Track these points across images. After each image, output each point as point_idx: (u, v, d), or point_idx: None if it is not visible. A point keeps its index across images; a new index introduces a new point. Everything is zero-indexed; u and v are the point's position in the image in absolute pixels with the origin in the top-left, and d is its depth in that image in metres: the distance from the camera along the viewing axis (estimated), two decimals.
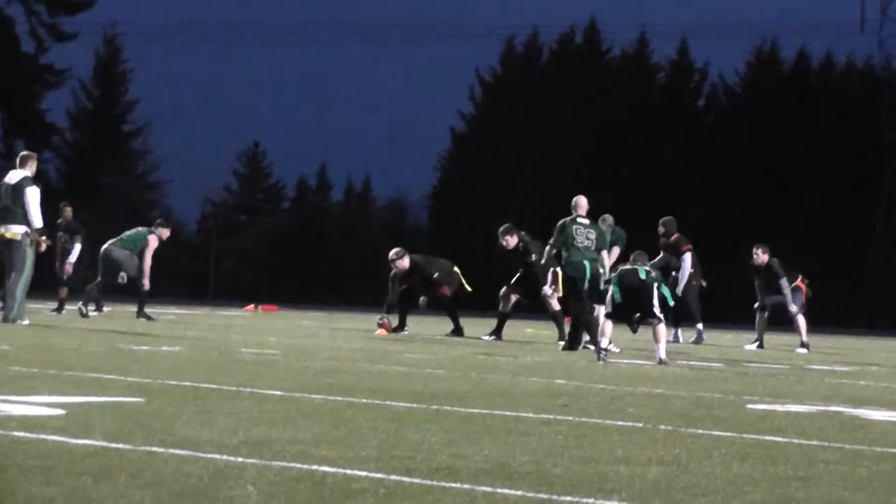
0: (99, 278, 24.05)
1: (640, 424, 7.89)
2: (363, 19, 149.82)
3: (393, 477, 5.35)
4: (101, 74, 75.96)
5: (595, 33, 74.57)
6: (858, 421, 8.94)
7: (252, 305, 40.41)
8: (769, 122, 67.74)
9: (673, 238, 24.77)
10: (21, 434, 6.11)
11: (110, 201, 64.35)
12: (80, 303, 23.47)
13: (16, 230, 18.72)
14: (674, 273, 24.23)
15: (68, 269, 25.77)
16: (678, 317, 23.62)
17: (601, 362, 14.90)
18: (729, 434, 7.59)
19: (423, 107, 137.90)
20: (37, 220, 18.72)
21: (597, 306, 17.44)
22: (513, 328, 24.44)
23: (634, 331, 16.34)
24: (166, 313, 28.96)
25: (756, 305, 23.70)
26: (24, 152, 19.95)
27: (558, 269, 18.82)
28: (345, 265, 73.12)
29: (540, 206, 62.94)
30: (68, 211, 26.59)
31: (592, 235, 18.32)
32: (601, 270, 18.13)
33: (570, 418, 8.11)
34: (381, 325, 22.06)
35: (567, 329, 19.10)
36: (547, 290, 19.72)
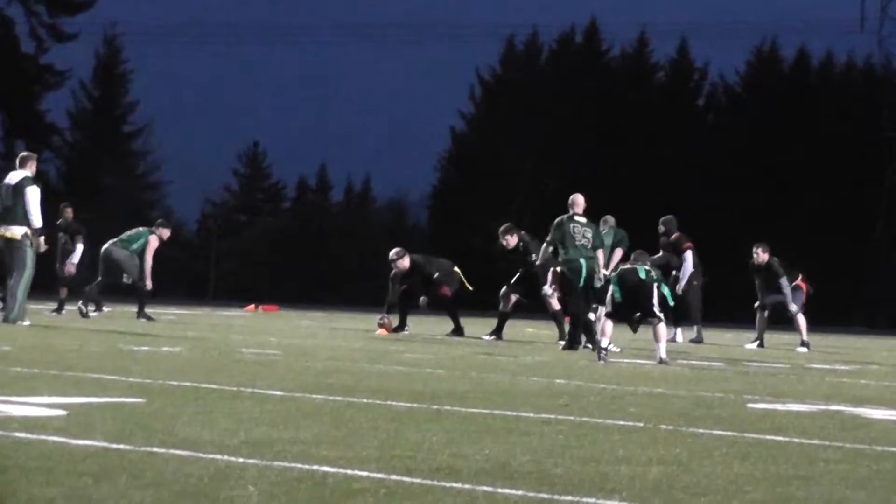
0: (99, 278, 24.06)
1: (641, 424, 7.89)
2: (363, 19, 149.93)
3: (393, 477, 5.36)
4: (101, 75, 75.97)
5: (595, 33, 74.58)
6: (859, 420, 8.94)
7: (252, 306, 40.41)
8: (769, 122, 67.75)
9: (673, 237, 24.77)
10: (22, 435, 6.11)
11: (110, 202, 64.38)
12: (80, 303, 23.47)
13: (15, 231, 18.72)
14: (674, 272, 24.23)
15: (71, 269, 25.76)
16: (678, 316, 23.62)
17: (601, 362, 14.90)
18: (730, 433, 7.59)
19: (422, 107, 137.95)
20: (36, 220, 18.72)
21: (597, 306, 17.46)
22: (513, 328, 24.44)
23: (635, 330, 16.33)
24: (166, 314, 28.96)
25: (756, 305, 23.71)
26: (24, 153, 19.97)
27: (559, 269, 18.82)
28: (345, 265, 73.14)
29: (540, 205, 62.93)
30: (69, 212, 26.58)
31: (589, 234, 18.33)
32: (597, 269, 18.16)
33: (571, 418, 8.11)
34: (381, 325, 22.06)
35: (567, 329, 19.09)
36: (547, 289, 19.72)
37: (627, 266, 16.10)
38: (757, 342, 23.45)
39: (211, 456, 5.70)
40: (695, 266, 24.63)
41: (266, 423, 7.05)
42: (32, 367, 10.38)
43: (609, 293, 15.65)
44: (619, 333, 16.79)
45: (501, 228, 21.73)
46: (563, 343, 18.70)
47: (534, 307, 23.03)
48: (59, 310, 24.90)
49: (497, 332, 21.44)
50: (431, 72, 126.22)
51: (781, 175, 66.53)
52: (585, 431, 7.37)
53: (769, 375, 14.36)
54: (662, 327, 15.62)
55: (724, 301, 43.07)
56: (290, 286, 68.35)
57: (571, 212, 18.54)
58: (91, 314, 23.34)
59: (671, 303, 16.52)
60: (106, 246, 24.12)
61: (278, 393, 8.99)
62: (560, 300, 20.15)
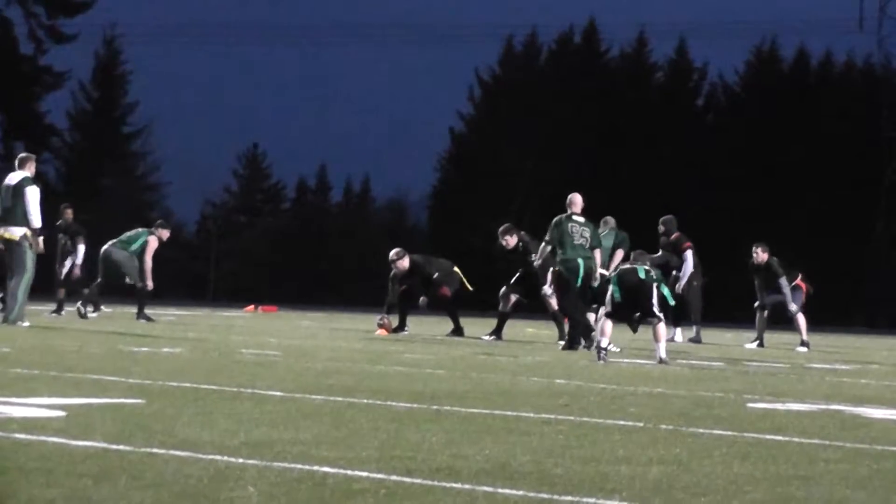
0: (98, 280, 24.07)
1: (641, 424, 7.89)
2: (363, 20, 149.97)
3: (394, 477, 5.35)
4: (100, 76, 75.98)
5: (594, 33, 74.61)
6: (859, 419, 8.94)
7: (252, 306, 40.42)
8: (768, 122, 67.77)
9: (673, 237, 24.76)
10: (22, 436, 6.11)
11: (110, 203, 64.38)
12: (79, 304, 23.49)
13: (15, 231, 18.74)
14: (674, 272, 24.22)
15: (76, 272, 25.73)
16: (677, 316, 23.61)
17: (601, 362, 14.90)
18: (729, 433, 7.59)
19: (422, 107, 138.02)
20: (36, 220, 18.74)
21: (596, 307, 17.46)
22: (513, 328, 24.44)
23: (634, 330, 16.34)
24: (166, 314, 28.97)
25: (756, 304, 23.71)
26: (23, 154, 19.99)
27: (557, 268, 18.82)
28: (345, 266, 73.15)
29: (539, 205, 62.96)
30: (69, 213, 26.58)
31: (587, 233, 18.34)
32: (594, 269, 18.18)
33: (571, 418, 8.11)
34: (381, 326, 22.06)
35: (567, 329, 19.09)
36: (547, 289, 19.72)
37: (627, 266, 16.10)
38: (757, 342, 23.45)
39: (211, 457, 5.70)
40: (694, 266, 24.62)
41: (266, 423, 7.04)
42: (32, 368, 10.38)
43: (609, 293, 15.65)
44: (618, 333, 16.79)
45: (501, 229, 21.73)
46: (562, 343, 18.70)
47: (534, 307, 23.03)
48: (58, 311, 24.90)
49: (497, 333, 21.44)
50: (431, 72, 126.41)
51: (781, 175, 66.54)
52: (585, 431, 7.37)
53: (769, 375, 14.36)
54: (662, 327, 15.62)
55: (724, 301, 43.08)
56: (289, 287, 68.37)
57: (569, 211, 18.55)
58: (90, 315, 23.34)
59: (671, 302, 16.52)
60: (105, 247, 24.14)
61: (278, 394, 8.99)
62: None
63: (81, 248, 25.90)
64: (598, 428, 7.64)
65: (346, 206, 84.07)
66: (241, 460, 5.63)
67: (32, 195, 18.74)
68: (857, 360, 19.72)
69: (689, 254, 24.50)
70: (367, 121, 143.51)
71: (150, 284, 23.68)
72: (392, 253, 22.58)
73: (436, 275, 22.49)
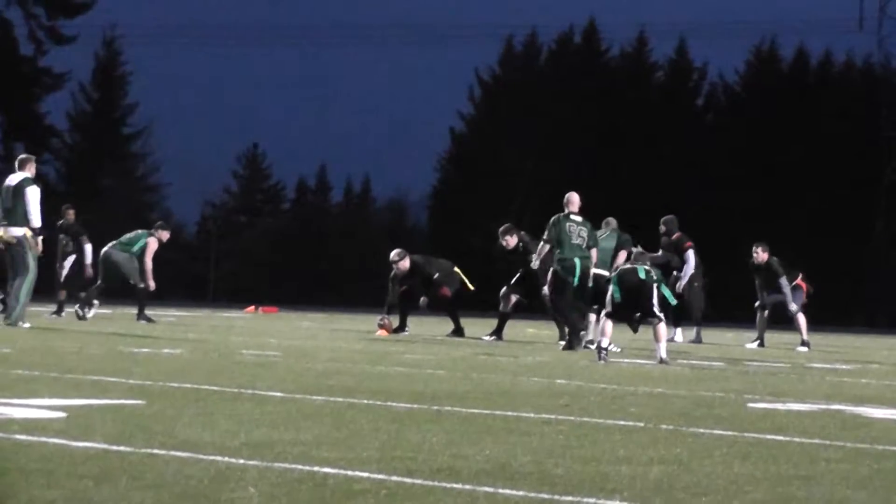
0: (98, 282, 24.08)
1: (642, 424, 7.89)
2: (362, 20, 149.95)
3: (394, 478, 5.36)
4: (100, 77, 75.96)
5: (594, 33, 74.60)
6: (860, 419, 8.94)
7: (252, 307, 40.42)
8: (768, 122, 67.77)
9: (674, 237, 24.75)
10: (22, 437, 6.11)
11: (110, 204, 64.36)
12: (77, 306, 23.50)
13: (15, 232, 18.77)
14: (675, 273, 24.21)
15: (88, 271, 25.68)
16: (678, 316, 23.60)
17: (602, 362, 14.90)
18: (730, 433, 7.59)
19: (422, 107, 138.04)
20: (35, 220, 18.76)
21: (597, 307, 17.45)
22: (513, 328, 24.43)
23: (635, 330, 16.34)
24: (167, 315, 28.97)
25: (756, 304, 23.71)
26: (23, 155, 20.01)
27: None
28: (345, 266, 73.14)
29: (540, 206, 62.97)
30: (70, 213, 26.58)
31: (584, 233, 18.34)
32: (590, 269, 18.20)
33: (572, 418, 8.11)
34: (381, 326, 22.06)
35: (567, 329, 19.07)
36: (547, 290, 19.71)
37: (627, 266, 16.09)
38: (757, 342, 23.45)
39: (211, 457, 5.70)
40: (696, 266, 24.61)
41: (266, 424, 7.04)
42: (33, 369, 10.38)
43: (609, 293, 15.65)
44: (619, 334, 16.79)
45: (501, 229, 21.72)
46: (563, 343, 18.70)
47: (534, 308, 23.03)
48: (58, 312, 24.90)
49: (497, 333, 21.44)
50: (431, 72, 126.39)
51: (781, 175, 66.54)
52: (586, 431, 7.37)
53: (769, 375, 14.36)
54: (662, 327, 15.61)
55: (724, 301, 43.06)
56: (290, 287, 68.36)
57: (567, 210, 18.56)
58: (87, 315, 23.35)
59: (672, 302, 16.52)
60: (105, 249, 24.18)
61: (279, 394, 8.99)
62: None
63: (88, 248, 25.88)
64: (599, 428, 7.64)
65: (346, 206, 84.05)
66: (241, 461, 5.63)
67: (33, 195, 18.76)
68: (857, 360, 19.71)
69: (690, 254, 24.49)
70: (367, 121, 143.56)
71: (151, 285, 23.70)
72: (393, 254, 22.57)
73: (436, 275, 22.49)
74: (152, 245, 23.92)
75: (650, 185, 64.99)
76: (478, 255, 50.73)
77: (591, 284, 18.18)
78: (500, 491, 5.13)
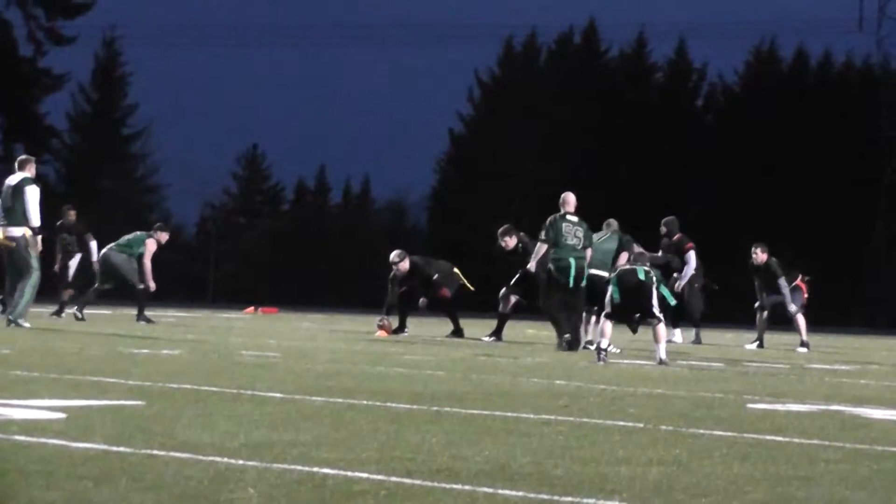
0: (96, 284, 24.08)
1: (641, 425, 7.89)
2: (362, 21, 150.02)
3: (394, 478, 5.36)
4: (99, 78, 75.96)
5: (593, 33, 74.59)
6: (859, 420, 8.94)
7: (252, 308, 40.42)
8: (768, 122, 67.77)
9: (675, 238, 24.74)
10: (22, 438, 6.11)
11: (110, 204, 64.35)
12: (75, 308, 23.51)
13: (15, 231, 18.81)
14: (675, 274, 24.21)
15: (96, 267, 25.65)
16: (676, 317, 23.59)
17: (601, 363, 14.89)
18: (729, 434, 7.59)
19: (421, 108, 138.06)
20: (35, 220, 18.79)
21: (597, 308, 17.44)
22: (513, 329, 24.44)
23: (634, 331, 16.33)
24: (166, 316, 28.97)
25: (756, 305, 23.71)
26: (23, 156, 20.04)
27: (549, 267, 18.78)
28: (344, 267, 73.13)
29: (539, 206, 62.95)
30: (71, 214, 26.59)
31: (580, 233, 18.35)
32: (585, 268, 18.22)
33: (571, 419, 8.11)
34: (381, 327, 22.06)
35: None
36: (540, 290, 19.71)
37: (626, 267, 16.09)
38: (757, 342, 23.45)
39: (211, 458, 5.70)
40: (696, 267, 24.61)
41: (266, 425, 7.05)
42: (32, 370, 10.38)
43: (608, 294, 15.64)
44: (618, 334, 16.79)
45: (500, 230, 21.72)
46: (567, 338, 18.67)
47: (533, 308, 23.02)
48: (59, 312, 24.90)
49: (497, 334, 21.44)
50: (430, 73, 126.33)
51: (781, 175, 66.53)
52: (585, 432, 7.37)
53: (769, 376, 14.36)
54: (662, 328, 15.61)
55: (724, 301, 43.05)
56: (289, 288, 68.36)
57: (563, 210, 18.58)
58: (74, 313, 23.36)
59: (672, 303, 16.52)
60: (104, 250, 24.21)
61: (278, 395, 8.99)
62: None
63: (94, 245, 25.90)
64: (598, 429, 7.64)
65: (345, 207, 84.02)
66: (241, 462, 5.63)
67: (32, 195, 18.80)
68: (856, 361, 19.72)
69: (692, 255, 24.50)
70: (367, 122, 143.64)
71: (152, 286, 23.70)
72: (393, 255, 22.57)
73: (435, 276, 22.49)
74: (151, 246, 23.93)
75: (650, 186, 65.00)
76: (477, 256, 50.71)
77: (583, 284, 18.22)
78: (500, 492, 5.13)
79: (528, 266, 19.34)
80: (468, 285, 22.87)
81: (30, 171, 19.18)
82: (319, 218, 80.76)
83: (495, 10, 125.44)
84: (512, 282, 21.43)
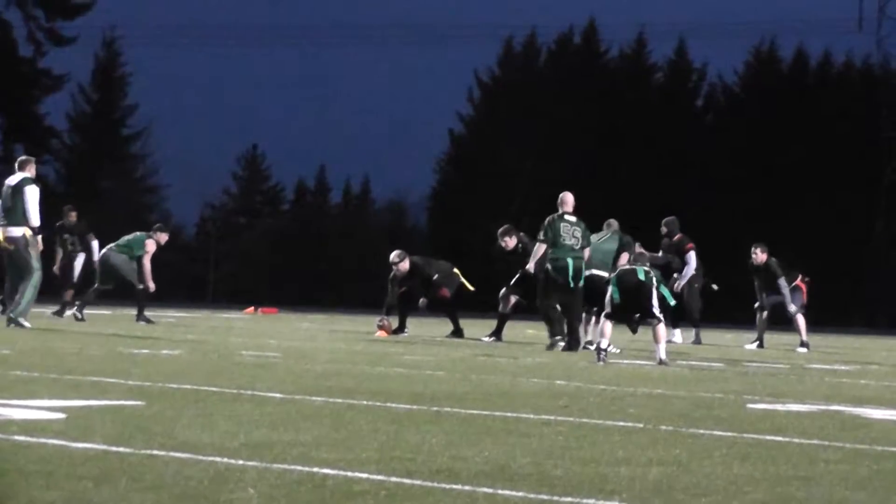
0: (96, 284, 24.08)
1: (641, 425, 7.89)
2: (362, 21, 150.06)
3: (394, 479, 5.36)
4: (99, 78, 75.97)
5: (593, 34, 74.58)
6: (859, 420, 8.94)
7: (252, 308, 40.42)
8: (768, 122, 67.77)
9: (676, 238, 24.74)
10: (21, 438, 6.11)
11: (109, 205, 64.35)
12: (75, 308, 23.51)
13: (15, 231, 18.83)
14: (675, 275, 24.21)
15: (96, 267, 25.67)
16: (676, 317, 23.58)
17: (601, 363, 14.89)
18: (729, 434, 7.59)
19: (421, 108, 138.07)
20: (34, 219, 18.81)
21: (597, 309, 17.44)
22: (513, 329, 24.45)
23: (634, 331, 16.33)
24: (166, 316, 28.97)
25: (756, 305, 23.71)
26: (23, 157, 20.08)
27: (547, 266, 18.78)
28: (344, 267, 73.15)
29: (539, 207, 62.92)
30: (73, 215, 26.59)
31: (578, 233, 18.36)
32: (583, 268, 18.24)
33: (571, 419, 8.11)
34: (380, 328, 22.06)
35: (566, 330, 19.06)
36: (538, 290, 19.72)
37: (626, 267, 16.09)
38: (757, 343, 23.45)
39: (211, 458, 5.70)
40: (696, 268, 24.60)
41: (266, 425, 7.05)
42: (32, 370, 10.38)
43: (608, 294, 15.65)
44: (617, 335, 16.79)
45: (500, 230, 21.72)
46: (562, 344, 18.69)
47: (533, 309, 23.01)
48: (60, 312, 24.90)
49: (497, 334, 21.45)
50: (430, 73, 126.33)
51: (781, 175, 66.54)
52: (585, 433, 7.37)
53: (769, 376, 14.36)
54: (662, 328, 15.61)
55: (724, 302, 43.07)
56: (289, 288, 68.36)
57: (561, 210, 18.59)
58: (68, 314, 23.35)
59: (671, 303, 16.52)
60: (104, 250, 24.22)
61: (278, 395, 8.99)
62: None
63: (95, 245, 25.94)
64: (598, 429, 7.64)
65: (345, 207, 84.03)
66: (241, 462, 5.63)
67: (31, 194, 18.82)
68: (856, 361, 19.72)
69: (692, 255, 24.50)
70: (367, 122, 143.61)
71: (151, 286, 23.70)
72: (393, 255, 22.57)
73: (435, 276, 22.49)
74: (150, 247, 23.93)
75: (650, 186, 65.01)
76: (477, 256, 50.72)
77: (581, 284, 18.24)
78: (500, 492, 5.13)
79: (528, 267, 19.33)
80: (468, 285, 22.88)
81: (30, 172, 19.21)
82: (319, 218, 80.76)
83: (495, 10, 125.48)
84: (512, 282, 21.43)
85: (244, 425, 7.00)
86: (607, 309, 15.56)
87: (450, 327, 22.56)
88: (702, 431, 7.68)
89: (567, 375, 12.75)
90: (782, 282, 22.88)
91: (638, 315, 15.75)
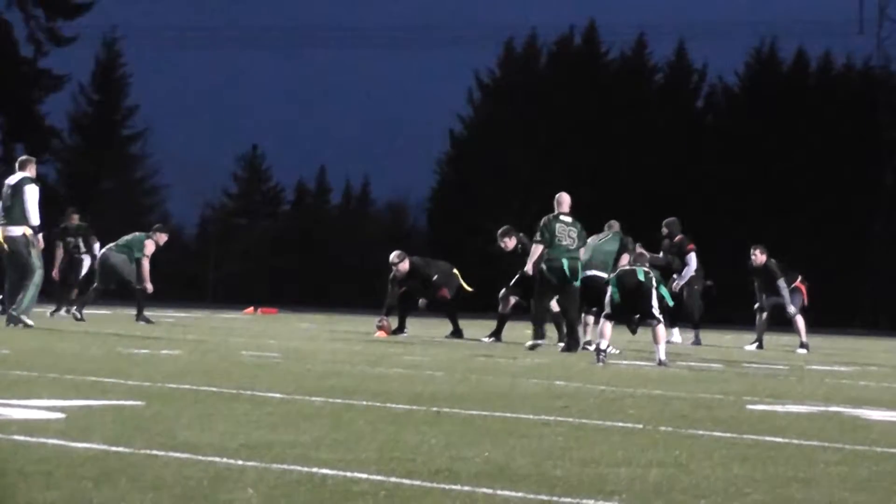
0: (95, 284, 24.08)
1: (640, 426, 7.89)
2: (361, 22, 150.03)
3: (393, 479, 5.36)
4: (100, 79, 75.97)
5: (594, 35, 74.56)
6: (858, 421, 8.95)
7: (251, 308, 40.41)
8: (768, 123, 67.75)
9: (677, 239, 24.72)
10: (21, 438, 6.11)
11: (109, 205, 64.33)
12: (74, 308, 23.51)
13: (14, 230, 18.84)
14: (674, 276, 24.20)
15: (96, 267, 25.67)
16: (674, 316, 23.55)
17: (600, 364, 14.89)
18: (729, 435, 7.59)
19: (422, 109, 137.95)
20: (34, 218, 18.82)
21: (596, 309, 17.45)
22: (512, 330, 24.44)
23: (633, 332, 16.34)
24: (166, 316, 28.97)
25: (755, 306, 23.70)
26: (24, 157, 20.09)
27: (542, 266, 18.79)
28: (344, 267, 73.14)
29: (539, 208, 62.89)
30: (75, 217, 26.59)
31: (574, 234, 18.37)
32: (578, 269, 18.26)
33: (570, 420, 8.11)
34: (380, 328, 22.06)
35: (566, 330, 19.06)
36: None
37: (626, 267, 16.08)
38: (756, 344, 23.45)
39: (210, 459, 5.71)
40: (696, 269, 24.59)
41: (265, 425, 7.05)
42: (32, 370, 10.38)
43: (608, 294, 15.65)
44: (617, 335, 16.79)
45: (500, 231, 21.72)
46: (562, 345, 18.70)
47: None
48: (67, 311, 24.87)
49: (496, 335, 21.45)
50: (430, 75, 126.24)
51: (781, 176, 66.52)
52: (585, 433, 7.37)
53: (768, 377, 14.37)
54: (661, 329, 15.61)
55: (723, 302, 43.09)
56: (289, 289, 68.34)
57: (557, 211, 18.59)
58: (58, 315, 23.34)
59: (670, 303, 16.52)
60: (103, 251, 24.22)
61: (277, 395, 8.99)
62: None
63: (97, 247, 25.97)
64: (598, 430, 7.64)
65: (345, 208, 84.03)
66: (240, 462, 5.63)
67: (31, 193, 18.83)
68: (856, 362, 19.72)
69: (692, 256, 24.48)
70: (367, 123, 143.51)
71: (149, 287, 23.69)
72: (393, 256, 22.57)
73: (435, 277, 22.49)
74: (149, 247, 23.93)
75: (649, 187, 65.00)
76: (477, 257, 50.72)
77: (577, 284, 18.26)
78: (499, 492, 5.13)
79: (526, 268, 19.33)
80: (466, 287, 22.87)
81: (30, 172, 19.22)
82: (319, 219, 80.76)
83: (496, 12, 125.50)
84: (511, 283, 21.43)
85: (244, 425, 7.00)
86: (607, 309, 15.56)
87: (449, 328, 22.56)
88: (701, 432, 7.69)
89: (566, 376, 12.75)
90: (782, 283, 22.88)
91: (637, 316, 15.75)
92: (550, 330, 19.48)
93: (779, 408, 9.73)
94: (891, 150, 67.25)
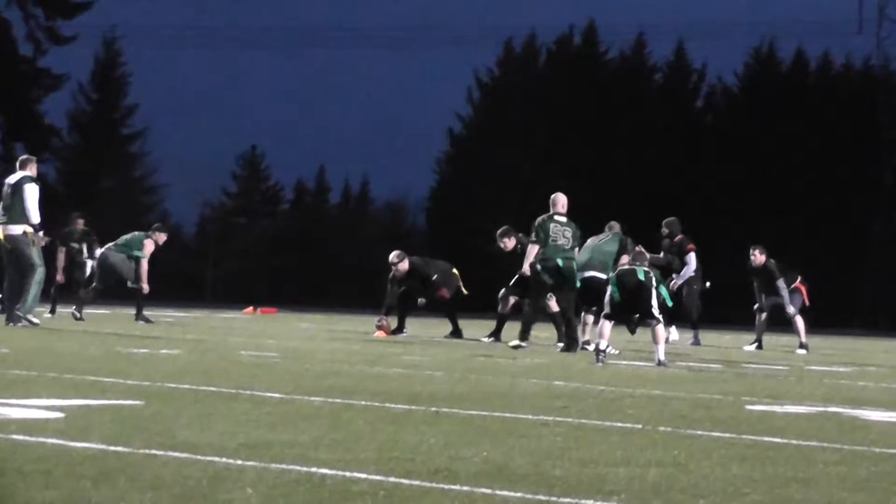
0: (94, 284, 24.07)
1: (640, 426, 7.89)
2: (361, 22, 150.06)
3: (392, 479, 5.36)
4: (99, 78, 75.96)
5: (593, 34, 74.55)
6: (857, 422, 8.95)
7: (251, 308, 40.41)
8: (768, 123, 67.76)
9: (677, 239, 24.70)
10: (20, 437, 6.11)
11: (109, 204, 64.32)
12: (73, 308, 23.50)
13: (14, 229, 18.85)
14: (673, 275, 24.18)
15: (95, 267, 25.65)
16: (673, 315, 23.52)
17: (600, 364, 14.89)
18: (728, 435, 7.59)
19: (421, 109, 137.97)
20: (34, 216, 18.83)
21: (596, 309, 17.44)
22: (512, 330, 24.42)
23: (632, 332, 16.33)
24: (165, 316, 28.97)
25: (755, 307, 23.70)
26: (24, 156, 20.10)
27: (537, 266, 18.79)
28: (343, 267, 73.14)
29: (538, 208, 62.87)
30: (79, 222, 26.57)
31: (569, 233, 18.37)
32: (573, 269, 18.27)
33: (569, 420, 8.11)
34: (379, 328, 22.06)
35: (565, 330, 19.06)
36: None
37: (626, 267, 16.08)
38: (755, 344, 23.45)
39: (209, 458, 5.70)
40: (696, 269, 24.59)
41: (264, 425, 7.05)
42: (31, 369, 10.38)
43: (608, 294, 15.65)
44: (616, 335, 16.79)
45: (499, 231, 21.72)
46: (561, 345, 18.71)
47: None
48: (78, 310, 24.81)
49: (496, 334, 21.45)
50: (430, 74, 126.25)
51: (780, 176, 66.53)
52: (584, 433, 7.37)
53: (768, 377, 14.37)
54: (661, 329, 15.60)
55: (723, 303, 43.10)
56: (288, 288, 68.33)
57: (552, 211, 18.60)
58: (46, 315, 23.32)
59: (670, 304, 16.51)
60: (102, 250, 24.21)
61: (277, 395, 8.99)
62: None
63: (99, 251, 25.96)
64: (597, 430, 7.65)
65: (344, 207, 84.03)
66: (239, 462, 5.63)
67: (31, 192, 18.85)
68: (855, 363, 19.72)
69: (692, 256, 24.47)
70: (367, 122, 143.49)
71: (145, 288, 23.67)
72: (392, 255, 22.57)
73: (435, 276, 22.49)
74: (148, 247, 23.93)
75: (649, 187, 65.00)
76: (476, 256, 50.72)
77: (573, 284, 18.27)
78: (498, 492, 5.13)
79: (523, 269, 19.32)
80: (462, 289, 22.86)
81: (31, 171, 19.23)
82: (318, 218, 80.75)
83: (495, 11, 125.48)
84: (511, 283, 21.43)
85: (243, 425, 7.00)
86: (606, 309, 15.56)
87: (449, 328, 22.56)
88: (700, 432, 7.69)
89: (566, 376, 12.75)
90: (781, 283, 22.88)
91: (637, 315, 15.75)
92: (546, 331, 19.48)
93: (778, 408, 9.73)
94: (890, 150, 67.27)
